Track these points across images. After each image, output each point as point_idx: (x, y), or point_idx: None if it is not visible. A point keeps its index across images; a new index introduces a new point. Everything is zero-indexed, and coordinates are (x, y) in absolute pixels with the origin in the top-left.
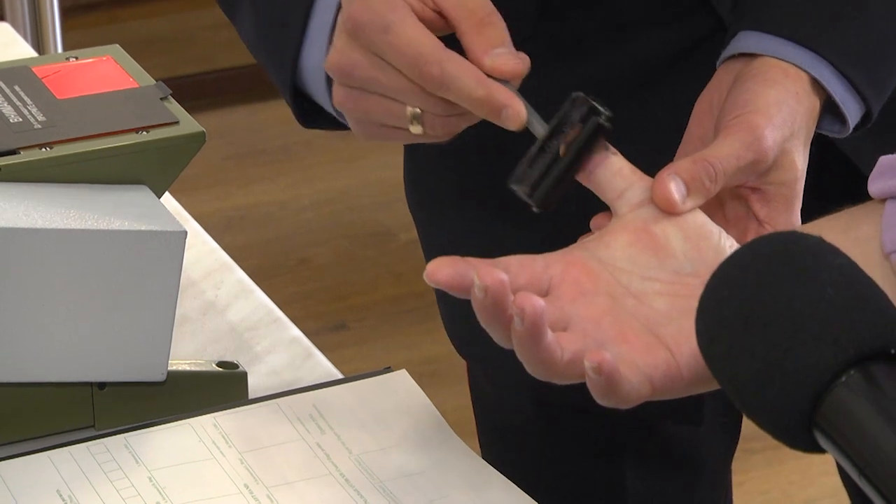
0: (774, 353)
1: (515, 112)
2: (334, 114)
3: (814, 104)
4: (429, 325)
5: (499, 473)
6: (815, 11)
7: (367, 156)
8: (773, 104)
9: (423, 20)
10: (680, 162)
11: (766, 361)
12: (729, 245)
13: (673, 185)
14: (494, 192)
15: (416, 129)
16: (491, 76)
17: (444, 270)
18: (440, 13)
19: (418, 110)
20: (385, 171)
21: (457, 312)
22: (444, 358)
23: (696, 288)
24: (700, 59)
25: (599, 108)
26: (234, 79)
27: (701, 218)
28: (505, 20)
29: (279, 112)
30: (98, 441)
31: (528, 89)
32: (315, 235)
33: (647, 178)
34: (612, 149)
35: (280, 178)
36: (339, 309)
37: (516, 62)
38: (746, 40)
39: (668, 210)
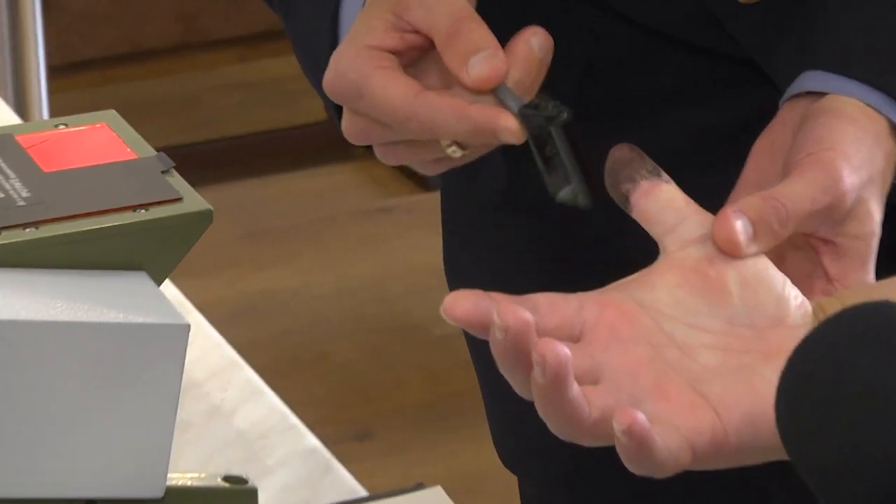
0: (865, 440)
1: (509, 130)
2: None
3: (892, 149)
4: (468, 434)
5: None
6: (890, 52)
7: (397, 237)
8: (851, 142)
9: (405, 49)
10: (747, 199)
11: (856, 450)
12: (794, 296)
13: (739, 223)
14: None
15: (453, 151)
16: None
17: (464, 304)
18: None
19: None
20: (417, 254)
21: (507, 417)
22: (486, 473)
23: (752, 341)
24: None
25: (552, 111)
26: (244, 148)
27: (763, 263)
28: (547, 82)
29: (295, 185)
30: None
31: None
32: (336, 328)
33: (703, 213)
34: (665, 175)
35: (296, 262)
36: (364, 414)
37: (494, 66)
38: (813, 79)
39: (730, 252)
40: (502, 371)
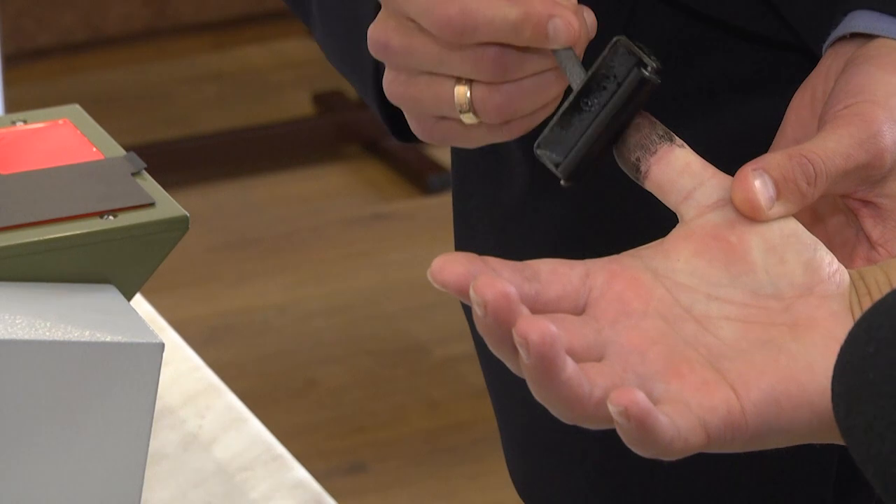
0: None
1: (566, 22)
2: None
3: None
4: (471, 468)
5: None
6: None
7: (395, 247)
8: (894, 94)
9: None
10: (770, 155)
11: None
12: (827, 262)
13: (758, 182)
14: None
15: (468, 118)
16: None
17: (454, 269)
18: None
19: (466, 91)
20: (417, 266)
21: (519, 439)
22: None
23: (777, 313)
24: None
25: (645, 56)
26: (222, 147)
27: (792, 226)
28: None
29: (280, 189)
30: None
31: (607, 164)
32: (326, 350)
33: (722, 175)
34: (678, 139)
35: (281, 276)
36: (357, 445)
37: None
38: (861, 19)
39: (750, 215)
40: (492, 350)
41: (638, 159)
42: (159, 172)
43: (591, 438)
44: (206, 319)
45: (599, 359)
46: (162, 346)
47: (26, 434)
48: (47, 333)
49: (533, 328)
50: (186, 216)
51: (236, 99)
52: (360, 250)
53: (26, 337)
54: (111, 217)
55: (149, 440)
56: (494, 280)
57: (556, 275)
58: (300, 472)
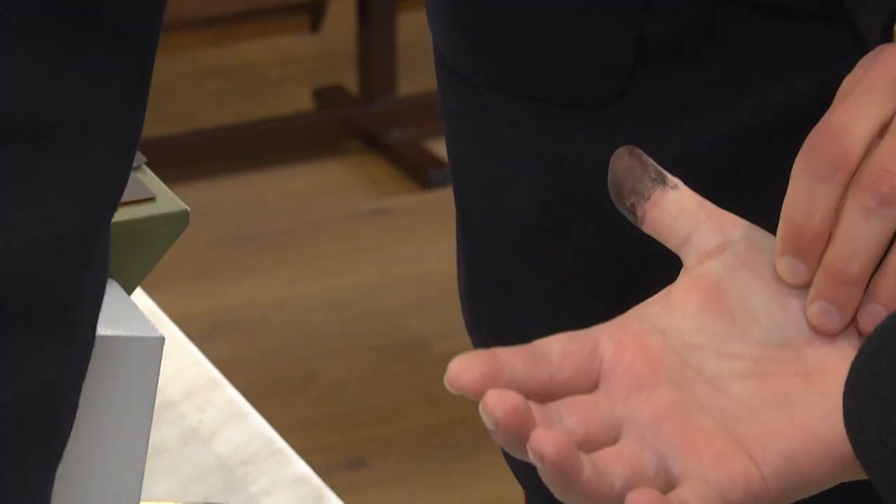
0: None
1: None
2: None
3: None
4: (472, 464)
5: None
6: None
7: (395, 242)
8: None
9: None
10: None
11: None
12: None
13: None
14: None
15: None
16: None
17: (471, 373)
18: None
19: None
20: (418, 262)
21: None
22: None
23: (787, 363)
24: None
25: None
26: (222, 142)
27: None
28: (593, 75)
29: (280, 184)
30: None
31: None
32: (327, 345)
33: (717, 215)
34: (671, 179)
35: (284, 271)
36: (358, 440)
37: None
38: None
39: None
40: (510, 453)
41: (633, 205)
42: (160, 167)
43: None
44: (207, 314)
45: (616, 439)
46: (162, 339)
47: None
48: None
49: (547, 443)
50: (187, 211)
51: (236, 94)
52: (360, 245)
53: None
54: None
55: (149, 434)
56: (503, 396)
57: (566, 355)
58: (300, 467)
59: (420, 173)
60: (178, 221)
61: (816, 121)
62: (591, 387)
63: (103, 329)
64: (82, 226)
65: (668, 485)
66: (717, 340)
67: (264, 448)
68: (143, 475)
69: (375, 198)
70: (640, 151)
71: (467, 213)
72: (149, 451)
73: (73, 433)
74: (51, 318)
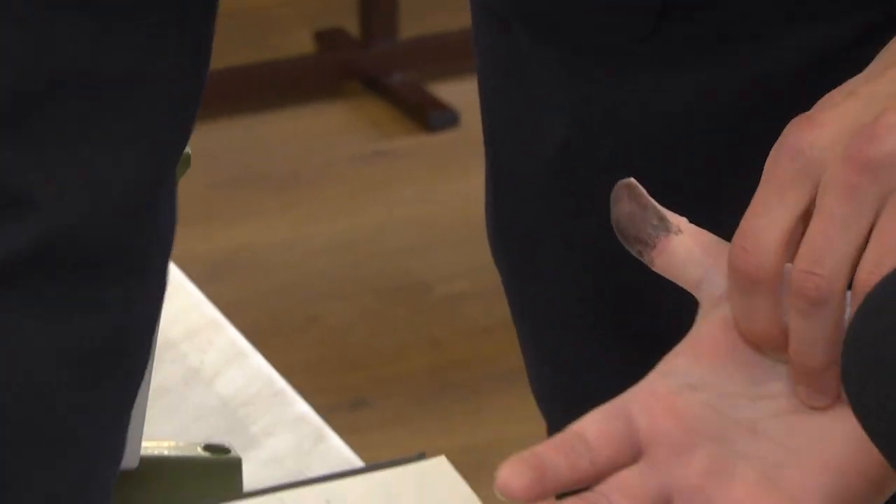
0: None
1: None
2: None
3: None
4: (473, 405)
5: None
6: None
7: (397, 185)
8: None
9: None
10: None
11: None
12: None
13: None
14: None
15: None
16: None
17: (520, 481)
18: None
19: None
20: (420, 204)
21: (547, 372)
22: (492, 447)
23: None
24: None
25: None
26: (221, 84)
27: None
28: (618, 20)
29: (280, 127)
30: None
31: (638, 103)
32: (329, 287)
33: (724, 260)
34: (673, 224)
35: (285, 213)
36: (359, 381)
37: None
38: None
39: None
40: None
41: (640, 252)
42: None
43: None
44: (209, 255)
45: None
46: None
47: None
48: None
49: None
50: (188, 153)
51: (237, 37)
52: (361, 188)
53: None
54: None
55: (151, 374)
56: None
57: (603, 436)
58: (302, 407)
59: (421, 116)
60: (179, 163)
61: (847, 63)
62: (635, 458)
63: None
64: (151, 175)
65: None
66: (749, 385)
67: (266, 389)
68: (144, 416)
69: (377, 140)
70: (638, 190)
71: (497, 151)
72: (150, 391)
73: None
74: (124, 265)
